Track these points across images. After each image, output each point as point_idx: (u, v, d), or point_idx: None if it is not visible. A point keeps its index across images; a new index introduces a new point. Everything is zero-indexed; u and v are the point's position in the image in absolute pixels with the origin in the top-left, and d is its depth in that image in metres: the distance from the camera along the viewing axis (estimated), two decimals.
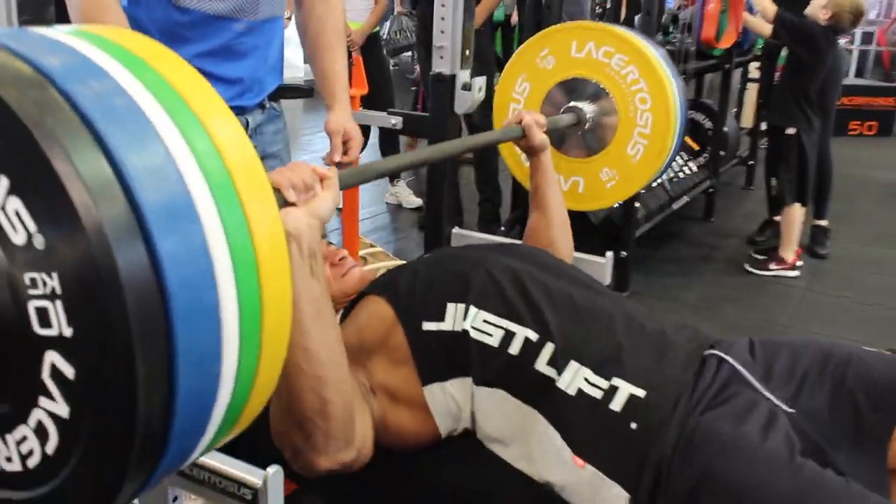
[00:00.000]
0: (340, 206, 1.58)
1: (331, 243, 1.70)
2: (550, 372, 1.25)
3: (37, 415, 0.71)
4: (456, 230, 2.20)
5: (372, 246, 2.96)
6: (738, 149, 5.49)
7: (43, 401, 0.70)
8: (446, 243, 2.18)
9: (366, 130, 4.65)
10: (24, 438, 0.73)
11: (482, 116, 4.18)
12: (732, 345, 1.34)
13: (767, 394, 1.23)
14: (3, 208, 0.67)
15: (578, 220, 4.01)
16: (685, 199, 4.31)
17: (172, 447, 0.72)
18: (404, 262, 2.44)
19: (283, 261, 0.78)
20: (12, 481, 0.76)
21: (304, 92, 2.29)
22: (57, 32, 0.76)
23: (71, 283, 0.65)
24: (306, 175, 1.12)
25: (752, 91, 6.03)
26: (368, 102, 4.45)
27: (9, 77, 0.67)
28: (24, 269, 0.67)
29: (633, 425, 1.20)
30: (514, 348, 1.28)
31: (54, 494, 0.73)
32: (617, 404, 1.22)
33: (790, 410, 1.23)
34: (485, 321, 1.31)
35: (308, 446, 1.14)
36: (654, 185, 4.11)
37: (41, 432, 0.72)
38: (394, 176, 4.84)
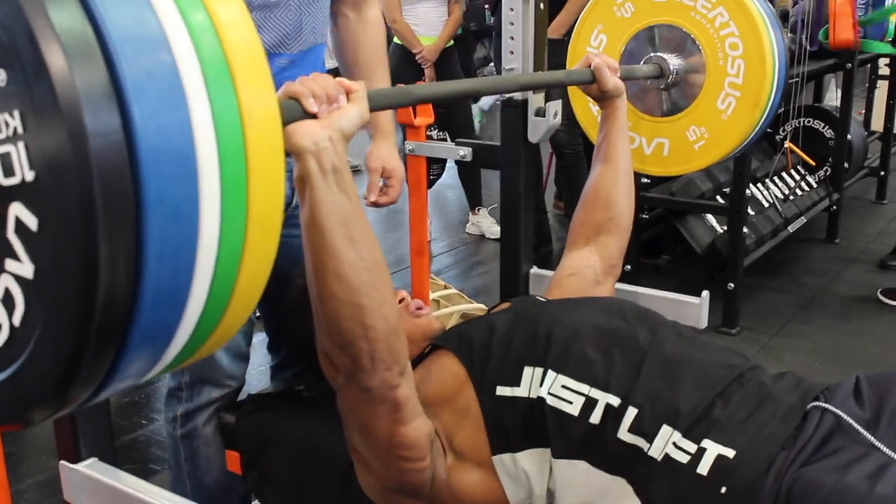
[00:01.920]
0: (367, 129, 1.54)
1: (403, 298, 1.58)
2: (637, 440, 1.19)
3: (4, 281, 0.69)
4: (535, 270, 1.95)
5: (446, 287, 2.67)
6: (866, 158, 4.92)
7: (9, 263, 0.68)
8: (524, 285, 1.95)
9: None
10: None
11: (569, 140, 3.85)
12: (835, 390, 1.23)
13: (877, 442, 1.12)
14: None
15: (677, 246, 3.68)
16: (802, 220, 3.84)
17: (142, 319, 0.67)
18: (482, 306, 2.34)
19: (275, 149, 0.76)
20: None
21: None
22: None
23: (32, 121, 0.63)
24: (329, 86, 1.03)
25: (881, 90, 5.40)
26: (444, 126, 4.17)
27: None
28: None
29: (723, 489, 1.13)
30: (596, 417, 1.21)
31: (18, 376, 0.69)
32: (704, 468, 1.14)
33: None
34: (563, 387, 1.23)
35: (356, 367, 1.10)
36: (766, 206, 3.67)
37: (8, 301, 0.69)
38: (474, 204, 4.52)
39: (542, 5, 1.81)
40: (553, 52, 3.93)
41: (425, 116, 2.22)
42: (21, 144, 0.63)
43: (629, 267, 3.37)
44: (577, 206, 1.68)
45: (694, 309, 1.78)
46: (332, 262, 1.01)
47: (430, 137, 4.01)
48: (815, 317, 3.42)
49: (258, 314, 1.88)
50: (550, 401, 1.22)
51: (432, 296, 2.57)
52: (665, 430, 1.17)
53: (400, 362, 1.12)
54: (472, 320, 1.45)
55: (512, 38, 1.81)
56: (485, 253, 4.43)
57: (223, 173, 0.69)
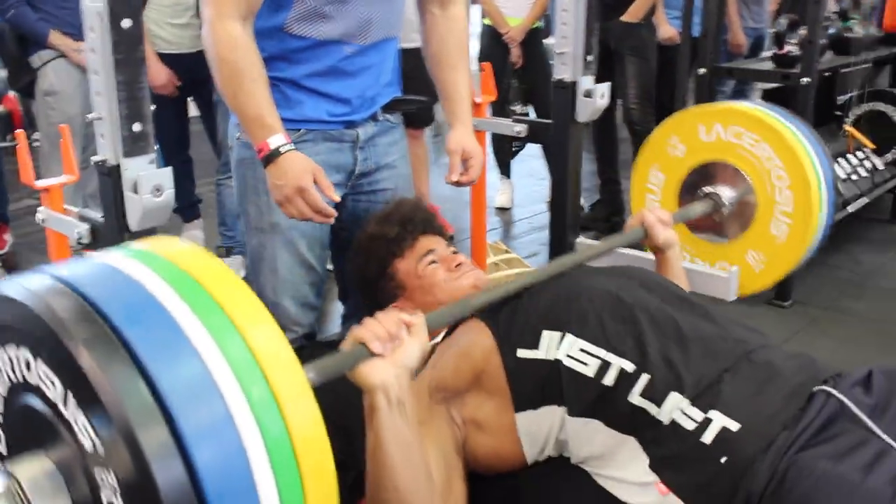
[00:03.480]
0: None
1: (452, 246, 1.71)
2: (646, 404, 1.24)
3: None
4: (580, 240, 2.15)
5: (507, 252, 2.95)
6: None
7: None
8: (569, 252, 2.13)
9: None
10: None
11: (642, 118, 4.08)
12: (846, 377, 1.27)
13: (879, 431, 1.15)
14: (77, 422, 0.82)
15: None
16: (864, 200, 4.00)
17: None
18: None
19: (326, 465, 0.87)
20: None
21: (421, 104, 2.31)
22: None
23: (123, 482, 0.78)
24: (390, 325, 1.18)
25: None
26: (528, 100, 4.45)
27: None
28: (94, 466, 0.82)
29: (723, 459, 1.17)
30: (609, 379, 1.27)
31: None
32: (708, 437, 1.20)
33: None
34: (581, 350, 1.30)
35: None
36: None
37: None
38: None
39: None
40: (631, 34, 4.19)
41: (488, 94, 2.43)
42: (119, 495, 0.79)
43: None
44: None
45: (723, 282, 1.91)
46: (391, 475, 1.17)
47: (513, 112, 4.31)
48: (868, 295, 3.56)
49: (331, 267, 1.99)
50: (567, 362, 1.29)
51: (493, 259, 2.87)
52: (673, 396, 1.23)
53: None
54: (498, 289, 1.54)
55: (564, 24, 2.00)
56: None
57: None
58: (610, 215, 4.29)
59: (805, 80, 3.14)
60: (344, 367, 1.16)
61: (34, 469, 0.87)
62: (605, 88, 2.02)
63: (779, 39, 3.62)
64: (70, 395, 0.81)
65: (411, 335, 1.20)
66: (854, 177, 4.02)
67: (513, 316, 1.38)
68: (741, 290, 2.10)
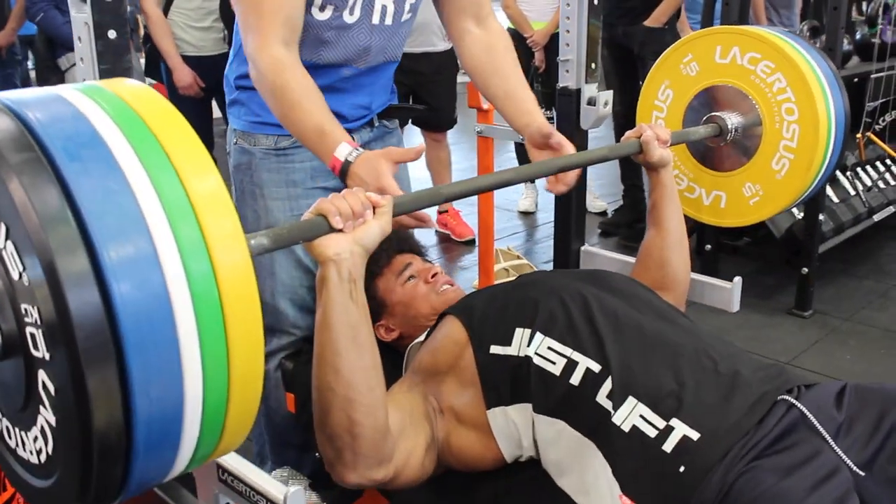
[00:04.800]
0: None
1: (427, 260, 1.73)
2: (608, 406, 1.24)
3: (40, 419, 0.85)
4: (585, 247, 2.14)
5: (518, 258, 2.94)
6: None
7: (41, 409, 0.84)
8: (574, 261, 2.14)
9: None
10: (36, 437, 0.88)
11: None
12: (816, 388, 1.26)
13: (835, 446, 1.15)
14: (5, 249, 0.81)
15: (758, 230, 3.85)
16: (890, 209, 3.93)
17: (140, 458, 0.82)
18: None
19: (251, 301, 0.85)
20: (34, 471, 0.90)
21: (417, 112, 2.29)
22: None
23: (44, 316, 0.77)
24: (356, 202, 1.16)
25: None
26: (551, 104, 4.44)
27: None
28: (19, 299, 0.80)
29: (682, 468, 1.17)
30: (576, 379, 1.28)
31: (53, 489, 0.87)
32: (669, 445, 1.19)
33: (860, 472, 1.14)
34: (549, 348, 1.32)
35: (338, 460, 1.19)
36: (851, 194, 3.80)
37: (44, 434, 0.86)
38: None
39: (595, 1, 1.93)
40: (654, 39, 4.17)
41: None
42: (40, 331, 0.78)
43: (709, 246, 3.59)
44: (636, 262, 1.78)
45: (726, 293, 1.88)
46: (333, 357, 1.14)
47: None
48: (892, 306, 3.48)
49: None
50: (536, 360, 1.30)
51: (503, 265, 2.87)
52: (630, 400, 1.23)
53: (384, 462, 1.21)
54: (478, 290, 1.56)
55: (568, 32, 2.00)
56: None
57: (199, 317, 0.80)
58: (633, 221, 4.26)
59: None
60: (300, 236, 1.15)
61: None
62: (607, 96, 2.02)
63: None
64: (1, 222, 0.80)
65: (376, 216, 1.18)
66: (881, 185, 3.97)
67: (487, 313, 1.40)
68: (730, 220, 2.07)
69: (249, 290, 0.85)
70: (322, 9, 1.58)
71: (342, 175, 1.45)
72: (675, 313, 1.46)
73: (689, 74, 2.08)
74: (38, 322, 0.78)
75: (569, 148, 1.63)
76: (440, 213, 4.30)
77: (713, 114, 2.02)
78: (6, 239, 0.80)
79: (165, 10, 3.61)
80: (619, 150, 1.77)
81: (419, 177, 4.25)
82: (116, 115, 0.84)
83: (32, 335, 0.79)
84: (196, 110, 3.68)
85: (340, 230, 1.14)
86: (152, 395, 0.78)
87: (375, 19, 1.66)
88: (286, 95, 1.48)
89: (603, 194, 4.84)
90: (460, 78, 3.98)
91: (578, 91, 2.01)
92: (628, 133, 1.75)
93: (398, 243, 1.68)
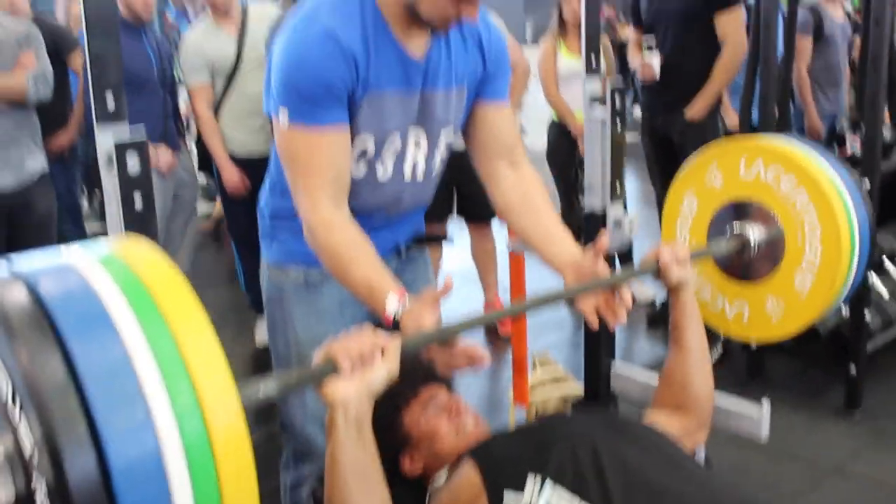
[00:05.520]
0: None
1: (454, 391, 1.73)
2: None
3: None
4: (617, 368, 2.13)
5: (556, 368, 2.89)
6: None
7: None
8: (605, 381, 2.14)
9: None
10: None
11: None
12: None
13: None
14: (19, 419, 0.86)
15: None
16: None
17: None
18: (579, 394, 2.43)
19: (245, 460, 0.90)
20: None
21: (441, 238, 2.32)
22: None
23: (46, 481, 0.83)
24: (365, 346, 1.21)
25: None
26: None
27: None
28: (27, 462, 0.86)
29: None
30: None
31: None
32: None
33: None
34: (560, 498, 1.33)
35: None
36: None
37: None
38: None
39: (619, 127, 1.98)
40: (694, 129, 4.08)
41: None
42: (44, 493, 0.84)
43: (754, 346, 3.52)
44: (658, 381, 1.79)
45: (754, 423, 1.85)
46: (342, 496, 1.21)
47: (581, 204, 4.31)
48: None
49: None
50: None
51: (539, 377, 2.83)
52: None
53: None
54: (499, 432, 1.61)
55: (590, 154, 2.03)
56: (631, 317, 4.60)
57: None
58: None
59: (866, 182, 3.05)
60: (309, 380, 1.20)
61: None
62: (633, 217, 2.05)
63: (839, 138, 3.53)
64: (13, 392, 0.86)
65: (384, 359, 1.22)
66: None
67: (503, 456, 1.43)
68: (752, 335, 2.06)
69: (243, 451, 0.90)
70: (357, 164, 1.67)
71: (394, 327, 1.49)
72: (690, 465, 1.46)
73: (714, 186, 2.09)
74: (42, 486, 0.83)
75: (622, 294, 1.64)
76: (487, 303, 4.31)
77: (736, 228, 2.02)
78: (13, 403, 0.86)
79: (216, 111, 3.75)
80: (638, 273, 1.78)
81: (464, 269, 4.28)
82: (125, 286, 0.92)
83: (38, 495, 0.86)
84: (244, 209, 3.78)
85: (348, 372, 1.19)
86: None
87: (407, 176, 1.74)
88: (336, 256, 1.57)
89: (651, 283, 4.79)
90: None
91: (604, 213, 2.05)
92: (646, 256, 1.76)
93: (425, 374, 1.70)
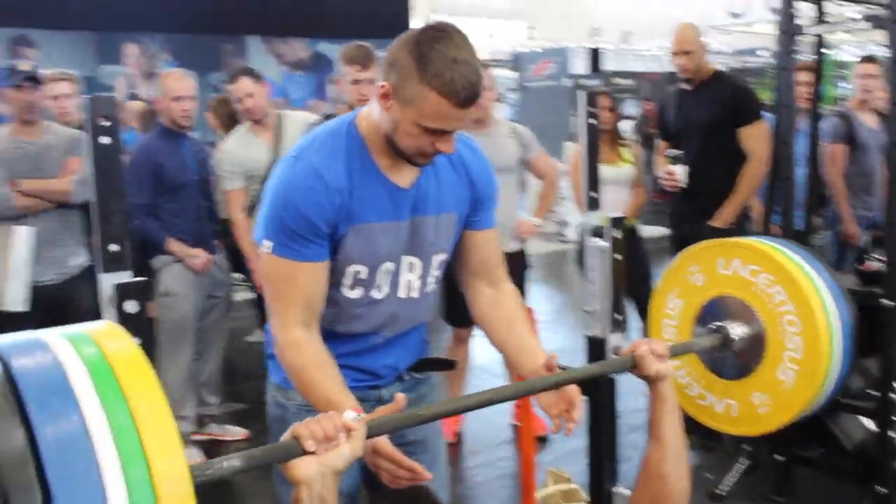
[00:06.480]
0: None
1: None
2: None
3: None
4: (618, 491, 2.11)
5: (568, 480, 2.84)
6: None
7: None
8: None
9: None
10: None
11: None
12: None
13: None
14: None
15: (832, 438, 3.66)
16: None
17: None
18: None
19: None
20: None
21: (448, 364, 2.32)
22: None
23: None
24: (329, 427, 1.25)
25: None
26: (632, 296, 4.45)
27: None
28: None
29: None
30: None
31: None
32: None
33: None
34: None
35: None
36: None
37: None
38: None
39: (618, 256, 2.02)
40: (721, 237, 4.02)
41: None
42: None
43: (782, 458, 3.43)
44: (637, 477, 1.76)
45: None
46: None
47: None
48: None
49: None
50: None
51: (550, 490, 2.81)
52: None
53: None
54: None
55: (593, 283, 2.08)
56: None
57: None
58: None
59: (889, 303, 2.97)
60: (273, 457, 1.26)
61: None
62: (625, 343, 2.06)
63: (860, 254, 3.49)
64: None
65: (349, 440, 1.26)
66: None
67: None
68: (743, 429, 2.06)
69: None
70: (352, 288, 1.74)
71: None
72: None
73: (696, 284, 2.16)
74: None
75: (574, 405, 1.71)
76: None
77: (717, 324, 2.06)
78: None
79: (250, 212, 3.88)
80: (613, 366, 1.80)
81: (492, 361, 4.28)
82: (91, 365, 0.98)
83: None
84: None
85: (312, 453, 1.22)
86: None
87: (402, 293, 1.80)
88: (301, 373, 1.66)
89: None
90: None
91: (604, 340, 2.08)
92: (623, 350, 1.79)
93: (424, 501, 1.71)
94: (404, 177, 1.70)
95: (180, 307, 3.80)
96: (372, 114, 1.63)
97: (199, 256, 3.77)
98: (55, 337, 1.02)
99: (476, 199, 1.81)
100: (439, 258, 1.81)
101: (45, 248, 3.39)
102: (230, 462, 1.17)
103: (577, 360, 2.22)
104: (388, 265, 1.74)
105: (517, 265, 4.06)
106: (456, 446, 4.05)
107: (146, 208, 3.72)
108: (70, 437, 0.90)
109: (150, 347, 1.44)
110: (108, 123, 1.38)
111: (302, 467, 1.23)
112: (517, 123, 4.25)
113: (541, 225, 4.08)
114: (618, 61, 12.68)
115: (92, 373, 0.96)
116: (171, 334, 3.81)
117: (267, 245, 1.65)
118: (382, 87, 1.57)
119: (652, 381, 1.75)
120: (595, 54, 11.81)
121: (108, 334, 1.05)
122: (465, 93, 1.49)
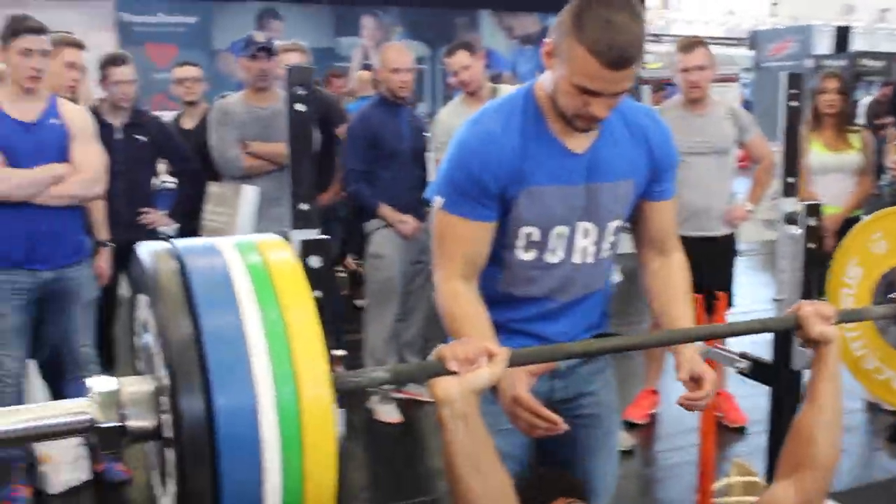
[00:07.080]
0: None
1: None
2: None
3: (169, 489, 1.07)
4: None
5: (752, 475, 2.71)
6: None
7: (167, 480, 1.07)
8: None
9: None
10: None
11: None
12: None
13: None
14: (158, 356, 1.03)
15: None
16: None
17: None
18: None
19: (327, 426, 1.01)
20: None
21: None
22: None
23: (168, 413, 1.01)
24: (471, 350, 1.30)
25: None
26: None
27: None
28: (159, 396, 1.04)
29: None
30: None
31: None
32: None
33: None
34: None
35: None
36: None
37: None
38: None
39: (811, 245, 1.96)
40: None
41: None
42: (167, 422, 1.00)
43: None
44: (787, 439, 1.69)
45: None
46: (458, 486, 1.29)
47: None
48: None
49: None
50: None
51: (729, 479, 2.70)
52: None
53: None
54: None
55: (783, 272, 2.03)
56: (879, 423, 4.11)
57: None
58: None
59: None
60: (417, 375, 1.34)
61: (139, 387, 1.06)
62: None
63: None
64: (153, 337, 1.03)
65: (490, 364, 1.31)
66: None
67: None
68: None
69: (326, 418, 1.01)
70: (526, 250, 1.78)
71: (491, 390, 1.57)
72: None
73: (879, 252, 2.03)
74: (166, 421, 1.01)
75: (708, 382, 1.69)
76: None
77: (894, 294, 1.91)
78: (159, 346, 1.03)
79: None
80: (775, 323, 1.75)
81: None
82: (253, 270, 1.07)
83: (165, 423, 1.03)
84: None
85: (455, 373, 1.28)
86: (236, 478, 0.97)
87: (577, 259, 1.81)
88: (455, 320, 1.73)
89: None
90: None
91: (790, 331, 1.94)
92: (788, 310, 1.71)
93: (566, 487, 1.74)
94: (579, 142, 1.71)
95: (387, 269, 3.98)
96: (546, 78, 1.66)
97: (407, 222, 3.92)
98: (227, 244, 1.11)
99: (655, 169, 1.80)
100: (615, 224, 1.81)
101: (267, 206, 3.61)
102: (377, 373, 1.25)
103: (768, 351, 2.16)
104: (562, 229, 1.75)
105: (725, 250, 3.92)
106: (649, 428, 4.00)
107: (361, 174, 3.92)
108: (228, 330, 0.99)
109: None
110: (303, 92, 1.48)
111: (444, 386, 1.28)
112: (751, 104, 4.07)
113: (753, 210, 3.88)
114: (869, 41, 11.73)
115: (253, 277, 1.05)
116: (377, 294, 4.02)
117: (439, 201, 1.73)
118: (547, 44, 1.60)
119: (816, 344, 1.65)
120: (843, 32, 11.01)
121: (272, 246, 1.13)
122: (613, 53, 1.49)
